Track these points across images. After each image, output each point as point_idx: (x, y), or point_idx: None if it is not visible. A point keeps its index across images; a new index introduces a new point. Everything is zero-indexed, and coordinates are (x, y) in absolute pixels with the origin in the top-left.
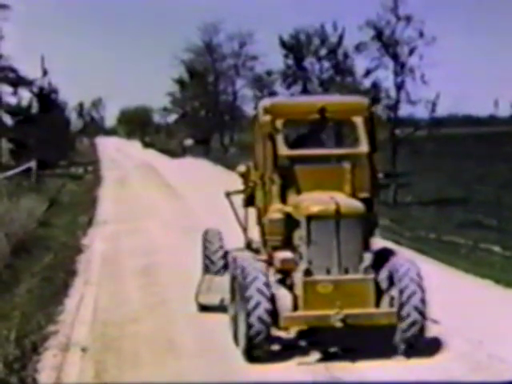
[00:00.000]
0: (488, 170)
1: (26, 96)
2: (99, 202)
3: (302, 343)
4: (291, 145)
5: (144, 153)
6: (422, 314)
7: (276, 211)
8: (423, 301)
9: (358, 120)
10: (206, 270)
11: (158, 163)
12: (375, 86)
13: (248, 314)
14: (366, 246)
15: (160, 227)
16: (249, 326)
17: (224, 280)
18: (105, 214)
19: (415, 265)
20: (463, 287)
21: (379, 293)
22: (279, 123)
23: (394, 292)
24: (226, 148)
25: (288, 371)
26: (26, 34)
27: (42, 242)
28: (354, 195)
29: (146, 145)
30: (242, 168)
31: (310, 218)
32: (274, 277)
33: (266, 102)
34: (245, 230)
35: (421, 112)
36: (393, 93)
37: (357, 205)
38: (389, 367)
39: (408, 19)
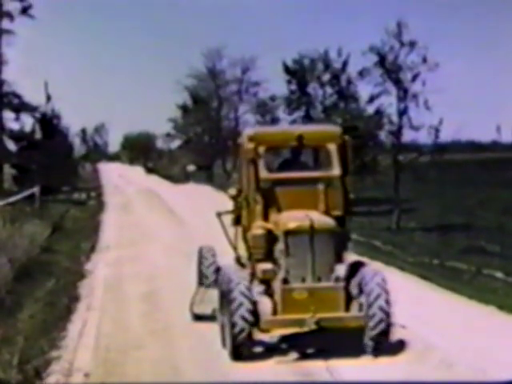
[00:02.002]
0: (490, 195)
1: (29, 122)
2: (102, 228)
3: (283, 346)
4: (274, 168)
5: (147, 178)
6: (387, 313)
7: (258, 228)
8: (388, 302)
9: (332, 146)
10: (200, 283)
11: (161, 189)
12: (378, 112)
13: (232, 314)
14: (339, 258)
15: (162, 253)
16: (233, 325)
17: (216, 292)
18: (108, 239)
19: (381, 273)
20: (466, 313)
21: (349, 299)
22: (261, 150)
23: (363, 298)
24: (229, 174)
25: (268, 369)
26: (29, 59)
27: (45, 267)
28: (327, 213)
29: (149, 170)
30: (232, 191)
31: (288, 234)
32: (257, 287)
33: (250, 131)
34: (234, 246)
35: (424, 138)
36: (396, 118)
37: (329, 221)
38: (358, 365)
39: (411, 45)
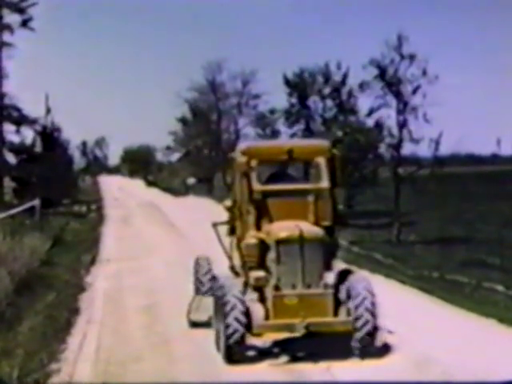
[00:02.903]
0: (490, 208)
1: (29, 134)
2: (102, 241)
3: (275, 350)
4: (266, 181)
5: (147, 191)
6: (374, 315)
7: (251, 237)
8: (374, 304)
9: (321, 160)
10: (197, 291)
11: (161, 202)
12: (378, 125)
13: (225, 316)
14: (328, 266)
15: (162, 265)
16: (226, 326)
17: (211, 300)
18: (108, 252)
19: (367, 279)
20: (466, 326)
21: (338, 305)
22: (253, 163)
23: (350, 303)
24: (229, 186)
25: (261, 370)
26: (29, 72)
27: (45, 280)
28: (316, 223)
29: (149, 183)
30: (227, 202)
31: (279, 243)
32: (250, 295)
33: (243, 145)
34: (229, 256)
35: (424, 151)
36: (395, 131)
37: (318, 231)
38: (346, 367)
39: (411, 58)
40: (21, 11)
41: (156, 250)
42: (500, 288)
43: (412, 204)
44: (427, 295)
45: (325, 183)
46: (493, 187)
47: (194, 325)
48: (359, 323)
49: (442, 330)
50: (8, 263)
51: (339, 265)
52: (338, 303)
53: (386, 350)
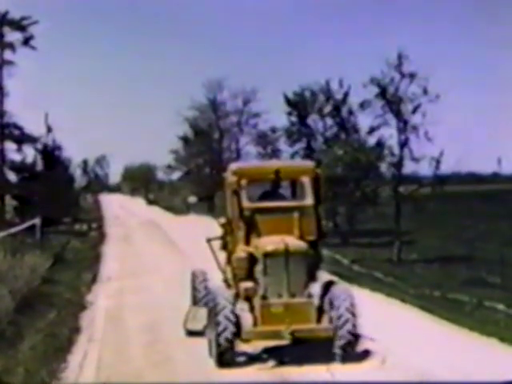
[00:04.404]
0: (491, 227)
1: (30, 153)
2: (103, 259)
3: (264, 355)
4: (255, 199)
5: (148, 210)
6: (354, 325)
7: (241, 251)
8: (354, 315)
9: (306, 179)
10: (194, 301)
11: (162, 220)
12: (380, 143)
13: (217, 325)
14: (312, 277)
15: (163, 284)
16: (218, 334)
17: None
18: (109, 270)
19: (349, 290)
20: (468, 345)
21: (321, 313)
22: (243, 182)
23: (333, 312)
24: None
25: (250, 374)
26: (30, 90)
27: (46, 298)
28: (301, 238)
29: (150, 202)
30: (222, 220)
31: (266, 256)
32: (241, 305)
33: (233, 166)
34: (223, 269)
35: (424, 169)
36: (396, 150)
37: (302, 245)
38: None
39: (412, 76)
40: (22, 29)
41: (156, 269)
42: (501, 307)
43: (413, 223)
44: (428, 314)
45: (309, 201)
46: (493, 206)
47: (190, 333)
48: (340, 332)
49: (442, 350)
50: (9, 281)
51: (325, 276)
52: (321, 312)
53: (365, 355)
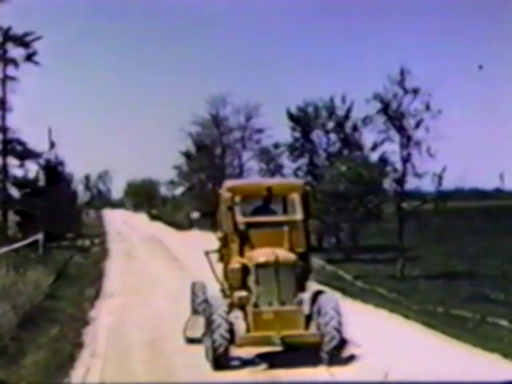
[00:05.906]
0: (494, 243)
1: (32, 168)
2: (106, 275)
3: (256, 360)
4: (251, 213)
5: (151, 225)
6: (339, 332)
7: (236, 262)
8: (340, 322)
9: (295, 196)
10: (193, 311)
11: (165, 236)
12: (383, 159)
13: (212, 332)
14: (302, 287)
15: (166, 300)
16: (213, 341)
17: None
18: (111, 286)
19: (336, 299)
20: (471, 361)
21: (309, 320)
22: (237, 199)
23: (320, 320)
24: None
25: (243, 376)
26: (33, 106)
27: (49, 314)
28: (292, 250)
29: (153, 217)
30: (219, 234)
31: (258, 267)
32: (235, 313)
33: (228, 183)
34: (220, 280)
35: (427, 185)
36: (399, 166)
37: (291, 256)
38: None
39: (415, 92)
40: (25, 45)
41: (159, 284)
42: (504, 323)
43: (416, 239)
44: (431, 330)
45: (299, 215)
46: (496, 222)
47: (190, 341)
48: (326, 338)
49: (445, 366)
50: (12, 297)
51: (315, 286)
52: (310, 319)
53: (351, 359)
